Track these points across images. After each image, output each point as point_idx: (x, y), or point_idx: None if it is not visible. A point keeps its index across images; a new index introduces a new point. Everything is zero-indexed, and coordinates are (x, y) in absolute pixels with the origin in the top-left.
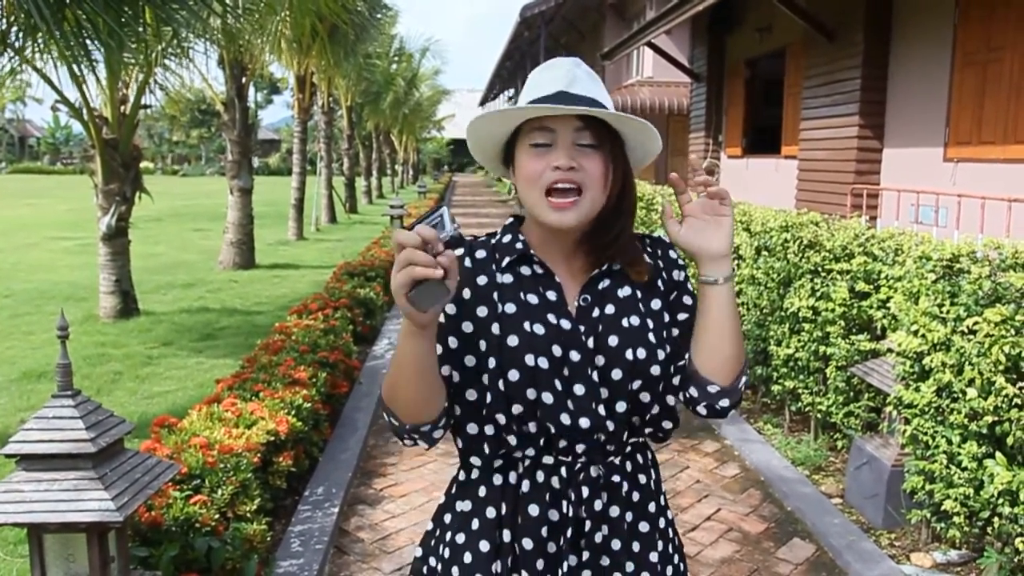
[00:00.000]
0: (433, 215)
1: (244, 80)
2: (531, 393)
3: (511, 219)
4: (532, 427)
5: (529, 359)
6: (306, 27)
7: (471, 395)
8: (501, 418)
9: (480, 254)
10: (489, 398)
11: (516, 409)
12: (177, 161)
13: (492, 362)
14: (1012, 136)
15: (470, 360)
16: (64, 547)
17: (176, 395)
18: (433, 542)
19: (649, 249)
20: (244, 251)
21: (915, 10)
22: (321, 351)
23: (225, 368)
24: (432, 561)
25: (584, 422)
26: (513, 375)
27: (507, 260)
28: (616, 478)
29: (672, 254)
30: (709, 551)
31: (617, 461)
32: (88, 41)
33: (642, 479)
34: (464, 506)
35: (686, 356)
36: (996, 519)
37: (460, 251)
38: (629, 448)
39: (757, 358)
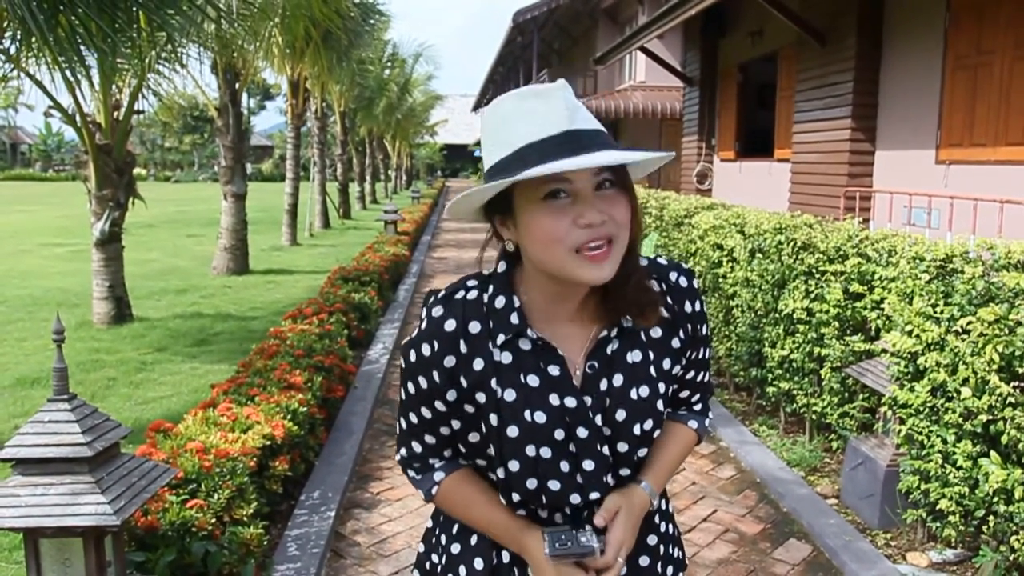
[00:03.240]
0: (581, 545)
1: (237, 86)
2: (531, 483)
3: (502, 263)
4: (534, 505)
5: (530, 450)
6: (299, 32)
7: (480, 463)
8: (503, 499)
9: (474, 328)
10: (494, 479)
11: (515, 497)
12: (170, 167)
13: (491, 449)
14: (1003, 138)
15: (473, 437)
16: (61, 552)
17: (171, 400)
18: (433, 540)
19: (654, 279)
20: (238, 257)
21: (907, 14)
22: (316, 355)
23: (220, 373)
24: (434, 558)
25: (594, 495)
26: (513, 465)
27: (502, 338)
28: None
29: (683, 281)
30: (706, 552)
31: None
32: (82, 46)
33: None
34: None
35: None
36: (991, 518)
37: (452, 324)
38: None
39: (752, 360)
